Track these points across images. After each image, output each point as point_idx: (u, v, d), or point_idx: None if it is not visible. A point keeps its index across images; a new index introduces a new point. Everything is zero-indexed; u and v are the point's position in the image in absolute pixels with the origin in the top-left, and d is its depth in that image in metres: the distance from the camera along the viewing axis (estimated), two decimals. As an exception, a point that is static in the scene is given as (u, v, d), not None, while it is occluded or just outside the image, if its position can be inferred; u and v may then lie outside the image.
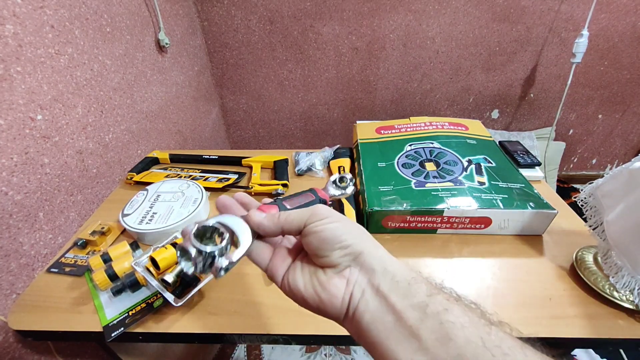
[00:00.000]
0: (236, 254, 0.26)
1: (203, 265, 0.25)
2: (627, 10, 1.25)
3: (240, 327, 0.42)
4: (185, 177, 0.69)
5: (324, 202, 0.35)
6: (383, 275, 0.24)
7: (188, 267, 0.25)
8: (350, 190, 0.38)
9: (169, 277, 0.40)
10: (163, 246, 0.46)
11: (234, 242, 0.27)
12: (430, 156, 0.65)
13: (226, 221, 0.27)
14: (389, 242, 0.54)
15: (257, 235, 0.28)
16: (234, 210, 0.31)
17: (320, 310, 0.26)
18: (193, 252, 0.24)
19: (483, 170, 0.61)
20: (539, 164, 0.70)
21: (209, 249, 0.24)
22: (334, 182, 0.38)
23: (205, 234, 0.27)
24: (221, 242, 0.26)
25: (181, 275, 0.43)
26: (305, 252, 0.27)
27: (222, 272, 0.25)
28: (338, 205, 0.61)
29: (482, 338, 0.20)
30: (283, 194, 0.65)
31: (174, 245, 0.47)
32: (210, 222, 0.27)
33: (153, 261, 0.44)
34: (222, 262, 0.25)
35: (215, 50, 1.34)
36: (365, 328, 0.23)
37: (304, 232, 0.26)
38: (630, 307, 0.41)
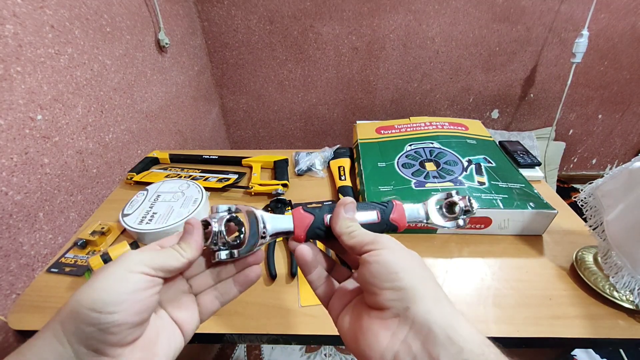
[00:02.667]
0: (224, 254, 0.27)
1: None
2: (627, 10, 1.25)
3: (240, 327, 0.42)
4: (185, 177, 0.69)
5: (394, 228, 0.27)
6: (445, 346, 0.18)
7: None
8: (460, 223, 0.28)
9: None
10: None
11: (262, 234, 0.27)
12: (430, 156, 0.65)
13: (256, 216, 0.28)
14: (389, 242, 0.54)
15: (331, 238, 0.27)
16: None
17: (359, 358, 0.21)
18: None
19: (483, 170, 0.61)
20: (539, 164, 0.70)
21: (214, 247, 0.27)
22: (441, 206, 0.28)
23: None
24: (231, 236, 0.27)
25: None
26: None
27: (215, 260, 0.27)
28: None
29: None
30: (283, 193, 0.64)
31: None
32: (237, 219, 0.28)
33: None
34: (221, 254, 0.27)
35: (215, 50, 1.34)
36: None
37: (360, 261, 0.23)
38: (630, 307, 0.41)
